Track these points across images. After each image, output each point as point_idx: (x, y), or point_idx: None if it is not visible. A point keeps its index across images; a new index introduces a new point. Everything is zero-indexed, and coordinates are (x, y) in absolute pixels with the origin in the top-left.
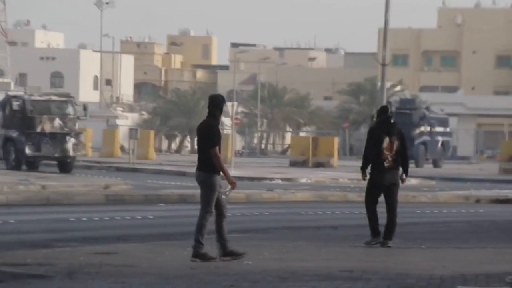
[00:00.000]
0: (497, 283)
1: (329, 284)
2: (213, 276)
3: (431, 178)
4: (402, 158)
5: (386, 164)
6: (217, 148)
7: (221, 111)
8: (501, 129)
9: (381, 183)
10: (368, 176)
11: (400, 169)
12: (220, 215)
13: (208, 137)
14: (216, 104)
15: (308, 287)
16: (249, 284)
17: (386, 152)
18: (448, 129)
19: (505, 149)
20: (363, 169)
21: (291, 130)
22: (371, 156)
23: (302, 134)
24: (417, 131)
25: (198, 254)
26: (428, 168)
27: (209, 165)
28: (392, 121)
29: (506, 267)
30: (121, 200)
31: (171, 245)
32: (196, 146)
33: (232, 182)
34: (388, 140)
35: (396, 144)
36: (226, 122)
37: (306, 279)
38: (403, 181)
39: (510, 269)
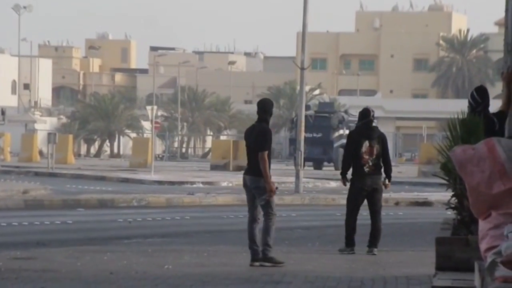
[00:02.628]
0: (417, 285)
1: (250, 287)
2: (132, 281)
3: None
4: (385, 163)
5: (366, 169)
6: (266, 153)
7: (271, 115)
8: (420, 132)
9: (362, 188)
10: (349, 182)
11: (384, 175)
12: (253, 220)
13: (262, 141)
14: (266, 109)
15: None
16: None
17: (365, 156)
18: None
19: (423, 152)
20: (342, 174)
21: (211, 133)
22: (350, 160)
23: (223, 137)
24: (336, 134)
25: (267, 258)
26: None
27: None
28: (373, 124)
29: (425, 269)
30: (40, 205)
31: (91, 250)
32: (246, 151)
33: (271, 190)
34: (368, 144)
35: (376, 148)
36: (146, 126)
37: (227, 283)
38: (386, 186)
39: (429, 272)
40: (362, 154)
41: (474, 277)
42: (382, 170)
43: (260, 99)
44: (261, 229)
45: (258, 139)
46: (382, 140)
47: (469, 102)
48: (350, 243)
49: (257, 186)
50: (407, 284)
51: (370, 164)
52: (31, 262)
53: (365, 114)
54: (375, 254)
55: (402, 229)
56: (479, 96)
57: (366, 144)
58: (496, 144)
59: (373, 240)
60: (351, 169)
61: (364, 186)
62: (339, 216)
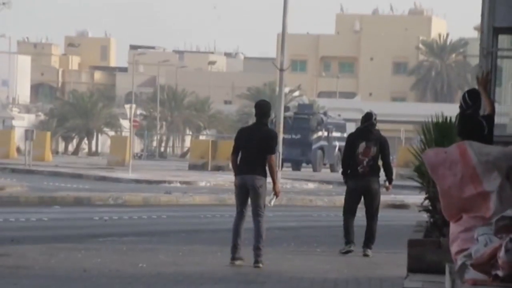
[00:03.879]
0: (389, 286)
1: (223, 286)
2: (106, 279)
3: (328, 182)
4: (384, 166)
5: (360, 170)
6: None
7: (269, 117)
8: (398, 134)
9: (355, 188)
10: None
11: (383, 177)
12: (242, 217)
13: (273, 145)
14: (265, 111)
15: None
16: (142, 287)
17: (360, 157)
18: (345, 134)
19: (401, 155)
20: (343, 174)
21: (191, 133)
22: (347, 160)
23: (202, 137)
24: (315, 136)
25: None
26: (325, 173)
27: (264, 169)
28: (375, 128)
29: (398, 271)
30: (15, 201)
31: (65, 248)
32: (243, 152)
33: (278, 191)
34: (365, 145)
35: (373, 150)
36: (124, 124)
37: (201, 282)
38: (387, 188)
39: (402, 274)
40: (358, 155)
41: (445, 279)
42: (380, 173)
43: (259, 100)
44: (254, 231)
45: (269, 143)
46: (381, 143)
47: (460, 104)
48: (346, 241)
49: (262, 185)
50: (380, 286)
51: (365, 164)
52: (4, 259)
53: (367, 117)
54: (367, 255)
55: (378, 231)
56: (471, 99)
57: (363, 145)
58: (468, 148)
59: (366, 241)
60: None
61: (357, 186)
62: (315, 217)
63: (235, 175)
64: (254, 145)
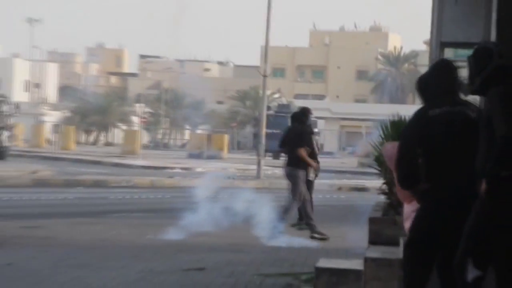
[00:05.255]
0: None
1: (216, 254)
2: (120, 248)
3: None
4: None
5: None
6: (303, 149)
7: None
8: (360, 130)
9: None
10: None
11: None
12: (306, 200)
13: (299, 139)
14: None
15: (198, 257)
16: (149, 255)
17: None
18: (316, 130)
19: (362, 147)
20: None
21: (189, 128)
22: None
23: (198, 131)
24: None
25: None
26: None
27: (294, 161)
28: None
29: (361, 243)
30: (45, 183)
31: (86, 222)
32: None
33: (312, 165)
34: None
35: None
36: (134, 120)
37: (198, 251)
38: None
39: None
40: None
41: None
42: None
43: (302, 107)
44: (283, 207)
45: (296, 139)
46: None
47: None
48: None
49: (289, 174)
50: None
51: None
52: (37, 230)
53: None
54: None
55: (343, 210)
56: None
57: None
58: None
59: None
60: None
61: None
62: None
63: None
64: (287, 141)
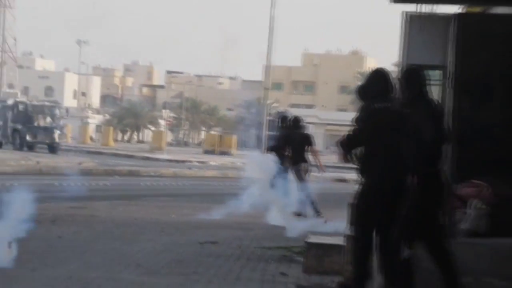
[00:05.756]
0: (339, 235)
1: (227, 231)
2: (149, 224)
3: None
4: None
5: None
6: (314, 147)
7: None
8: (341, 133)
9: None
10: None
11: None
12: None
13: (309, 141)
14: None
15: (212, 233)
16: (173, 231)
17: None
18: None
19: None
20: None
21: (205, 129)
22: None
23: (212, 132)
24: None
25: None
26: None
27: (301, 159)
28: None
29: (341, 224)
30: (89, 172)
31: (122, 203)
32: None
33: (319, 162)
34: None
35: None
36: (161, 122)
37: (212, 227)
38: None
39: (344, 226)
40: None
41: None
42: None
43: (295, 116)
44: (310, 202)
45: (306, 141)
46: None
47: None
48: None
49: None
50: (329, 234)
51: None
52: (82, 210)
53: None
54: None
55: (327, 197)
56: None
57: None
58: None
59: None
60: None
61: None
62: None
63: None
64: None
